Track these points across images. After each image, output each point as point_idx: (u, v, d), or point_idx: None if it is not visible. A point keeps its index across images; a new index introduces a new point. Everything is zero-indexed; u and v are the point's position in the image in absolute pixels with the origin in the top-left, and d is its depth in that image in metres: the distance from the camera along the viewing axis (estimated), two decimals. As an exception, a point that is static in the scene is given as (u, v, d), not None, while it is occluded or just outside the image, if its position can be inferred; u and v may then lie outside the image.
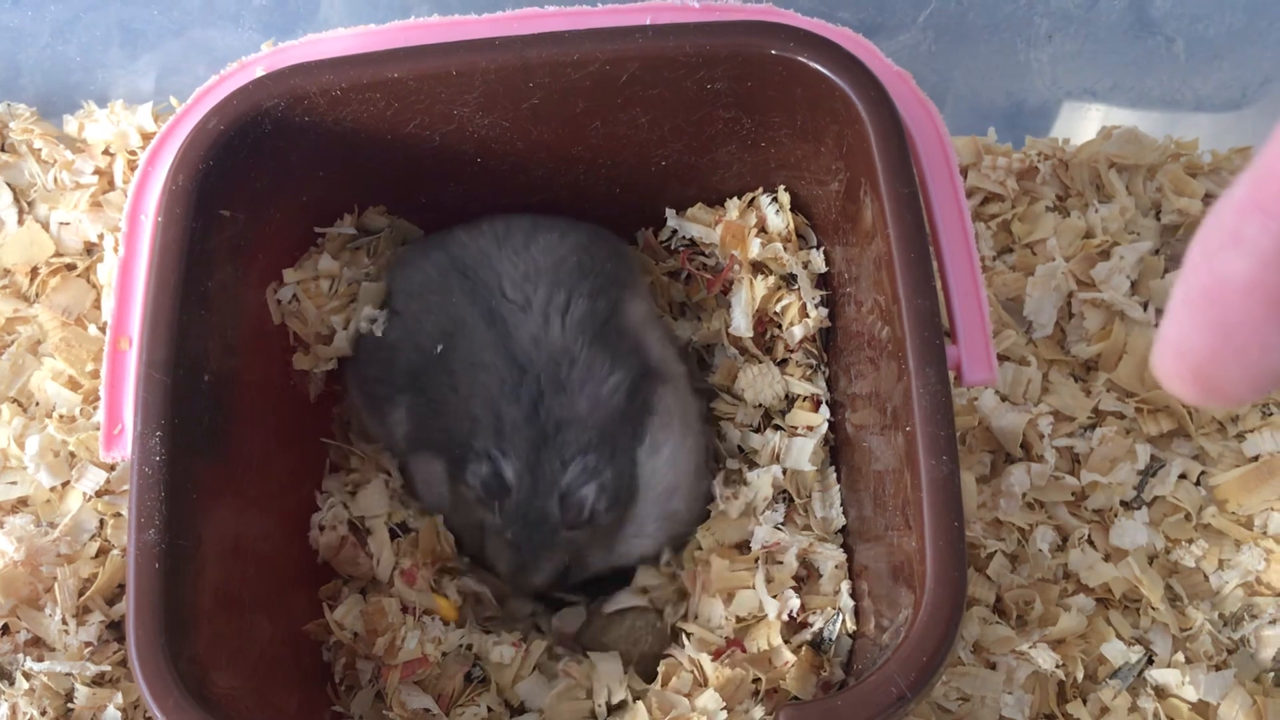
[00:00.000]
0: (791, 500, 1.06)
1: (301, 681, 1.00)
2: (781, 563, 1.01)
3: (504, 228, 1.08)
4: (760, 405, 1.09)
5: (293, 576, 1.04)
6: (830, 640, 0.98)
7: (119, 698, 1.04)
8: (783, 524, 1.04)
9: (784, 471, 1.06)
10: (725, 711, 0.92)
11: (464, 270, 1.06)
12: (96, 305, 1.22)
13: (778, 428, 1.09)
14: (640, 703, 0.95)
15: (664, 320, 1.14)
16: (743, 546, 1.04)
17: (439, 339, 1.05)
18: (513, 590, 1.08)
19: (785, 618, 0.98)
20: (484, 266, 1.06)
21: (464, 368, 1.03)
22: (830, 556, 1.01)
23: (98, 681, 1.05)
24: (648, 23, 1.00)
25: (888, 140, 0.93)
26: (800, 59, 0.96)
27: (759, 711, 0.92)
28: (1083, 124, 1.33)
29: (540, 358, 1.01)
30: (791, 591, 0.99)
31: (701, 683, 0.95)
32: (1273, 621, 1.09)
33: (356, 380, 1.10)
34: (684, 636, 1.00)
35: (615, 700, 0.99)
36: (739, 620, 1.00)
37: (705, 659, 0.95)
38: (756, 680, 0.95)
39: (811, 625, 0.98)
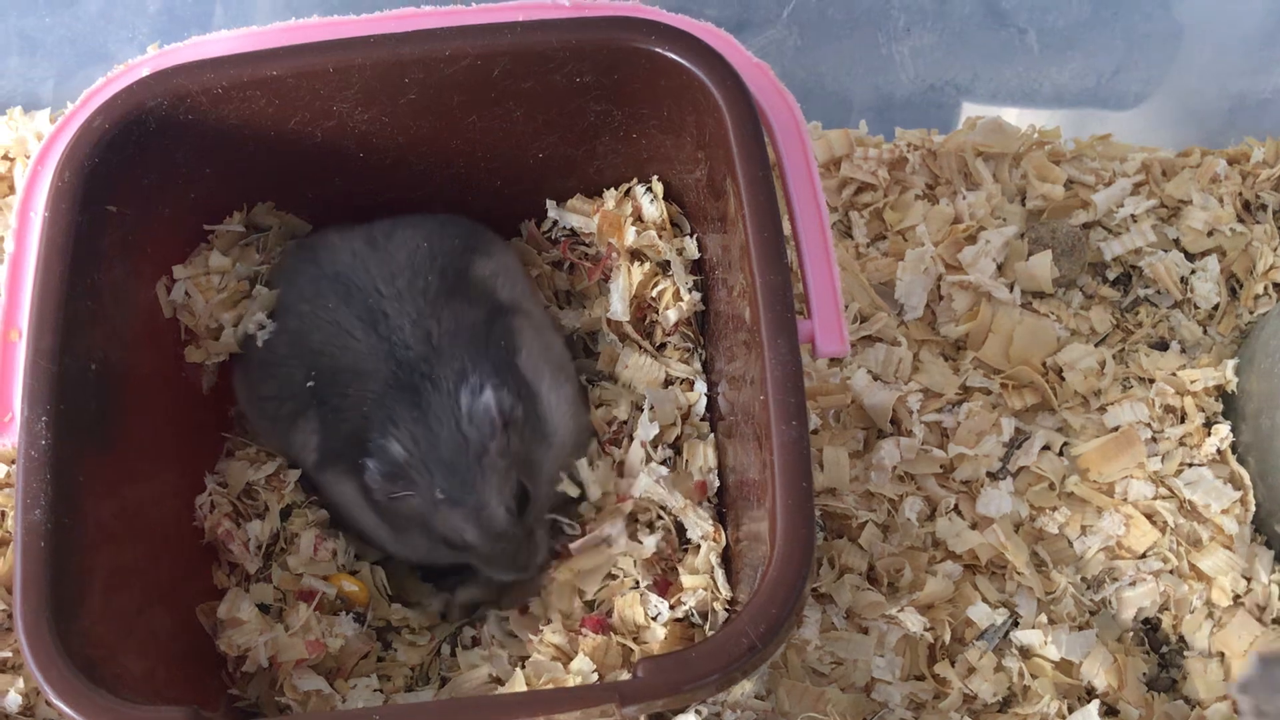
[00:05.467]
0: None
1: (197, 663, 1.03)
2: (640, 543, 1.05)
3: (368, 231, 1.12)
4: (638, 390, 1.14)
5: (188, 561, 1.07)
6: (703, 615, 1.02)
7: (20, 683, 1.07)
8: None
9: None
10: (597, 673, 0.96)
11: (335, 277, 1.09)
12: (-2, 307, 1.25)
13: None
14: (519, 671, 0.99)
15: (525, 277, 1.18)
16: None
17: (327, 352, 1.07)
18: (516, 568, 1.06)
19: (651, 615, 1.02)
20: (357, 271, 1.09)
21: (353, 378, 1.06)
22: (700, 527, 1.05)
23: (-1, 667, 1.08)
24: (519, 20, 1.04)
25: (743, 126, 0.98)
26: (660, 51, 1.01)
27: (626, 675, 0.96)
28: (949, 115, 1.39)
29: (418, 337, 1.05)
30: (655, 599, 1.03)
31: (570, 655, 1.00)
32: (1132, 583, 1.14)
33: (253, 400, 1.13)
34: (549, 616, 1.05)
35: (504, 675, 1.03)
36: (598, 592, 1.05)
37: (564, 640, 1.00)
38: (628, 649, 1.00)
39: (685, 604, 1.02)
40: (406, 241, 1.10)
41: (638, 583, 1.03)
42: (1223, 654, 1.12)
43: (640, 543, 1.04)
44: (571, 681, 0.97)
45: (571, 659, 0.99)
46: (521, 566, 1.05)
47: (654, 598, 1.01)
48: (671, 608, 1.01)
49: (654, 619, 1.01)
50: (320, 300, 1.09)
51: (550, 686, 0.97)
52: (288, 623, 1.05)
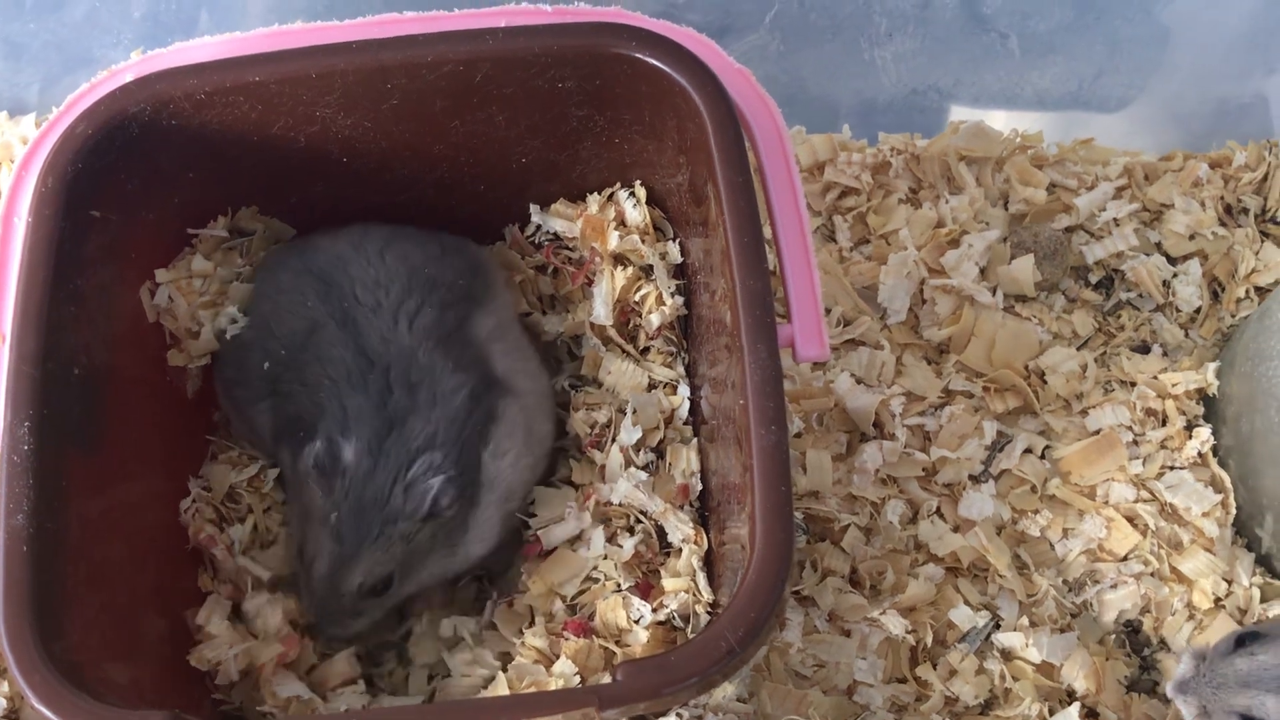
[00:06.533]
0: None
1: (183, 667, 1.03)
2: (620, 547, 1.06)
3: (361, 236, 1.12)
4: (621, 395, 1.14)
5: (174, 565, 1.07)
6: (685, 618, 1.02)
7: (4, 687, 1.07)
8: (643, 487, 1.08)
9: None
10: (579, 676, 0.97)
11: (318, 274, 1.09)
12: (-17, 312, 1.25)
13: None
14: (501, 674, 1.00)
15: (521, 333, 1.16)
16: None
17: (291, 339, 1.08)
18: (320, 617, 1.04)
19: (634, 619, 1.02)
20: (338, 271, 1.09)
21: (313, 361, 1.06)
22: (681, 530, 1.05)
23: (-18, 673, 1.08)
24: (501, 25, 1.05)
25: (723, 131, 0.99)
26: (641, 56, 1.01)
27: (608, 678, 0.96)
28: (932, 119, 1.39)
29: (388, 354, 1.04)
30: (638, 601, 1.03)
31: (552, 659, 1.00)
32: (1114, 586, 1.15)
33: (220, 383, 1.13)
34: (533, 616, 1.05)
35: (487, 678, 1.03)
36: (579, 595, 1.05)
37: (545, 644, 1.01)
38: (610, 652, 1.00)
39: (666, 607, 1.02)
40: (407, 257, 1.10)
41: (619, 585, 1.03)
42: (1203, 656, 1.12)
43: (620, 546, 1.04)
44: (553, 685, 0.97)
45: (554, 662, 0.99)
46: (324, 622, 1.04)
47: (636, 600, 1.02)
48: (654, 610, 1.01)
49: (636, 622, 1.01)
50: (296, 294, 1.09)
51: (532, 690, 0.97)
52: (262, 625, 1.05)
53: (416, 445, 1.01)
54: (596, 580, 1.04)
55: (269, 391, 1.09)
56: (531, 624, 1.03)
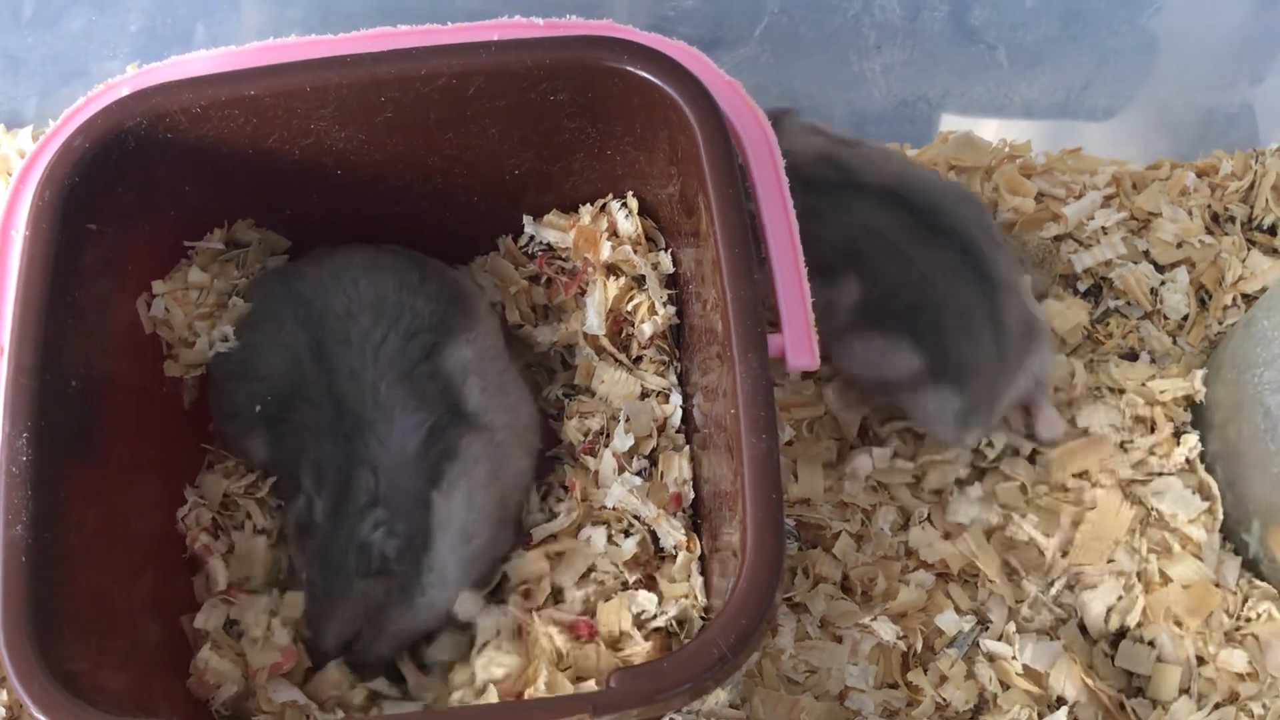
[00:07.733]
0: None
1: (179, 674, 1.04)
2: (619, 546, 1.07)
3: (343, 261, 1.12)
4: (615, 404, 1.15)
5: (172, 573, 1.08)
6: (679, 624, 1.03)
7: (4, 695, 1.07)
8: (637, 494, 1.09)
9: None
10: (577, 682, 0.98)
11: (298, 301, 1.10)
12: (-20, 323, 1.26)
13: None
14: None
15: (507, 365, 1.15)
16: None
17: (278, 379, 1.08)
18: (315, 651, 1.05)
19: (636, 614, 1.03)
20: (318, 298, 1.09)
21: (297, 401, 1.06)
22: (674, 537, 1.06)
23: (-19, 681, 1.08)
24: (494, 39, 1.06)
25: (714, 143, 1.00)
26: (632, 69, 1.02)
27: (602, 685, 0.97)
28: (922, 129, 1.40)
29: (353, 393, 1.04)
30: (643, 594, 1.04)
31: (556, 659, 1.01)
32: (1098, 589, 1.15)
33: (214, 410, 1.14)
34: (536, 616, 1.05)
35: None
36: (588, 600, 1.06)
37: (556, 633, 1.01)
38: (605, 658, 1.01)
39: (666, 612, 1.03)
40: (379, 285, 1.10)
41: (625, 584, 1.04)
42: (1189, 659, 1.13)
43: (618, 546, 1.05)
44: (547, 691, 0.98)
45: (549, 667, 1.00)
46: (314, 624, 1.04)
47: (641, 595, 1.02)
48: (653, 616, 1.02)
49: (639, 615, 1.02)
50: (280, 320, 1.10)
51: (526, 696, 0.98)
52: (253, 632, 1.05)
53: (364, 502, 1.01)
54: (595, 585, 1.05)
55: (259, 428, 1.10)
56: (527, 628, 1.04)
